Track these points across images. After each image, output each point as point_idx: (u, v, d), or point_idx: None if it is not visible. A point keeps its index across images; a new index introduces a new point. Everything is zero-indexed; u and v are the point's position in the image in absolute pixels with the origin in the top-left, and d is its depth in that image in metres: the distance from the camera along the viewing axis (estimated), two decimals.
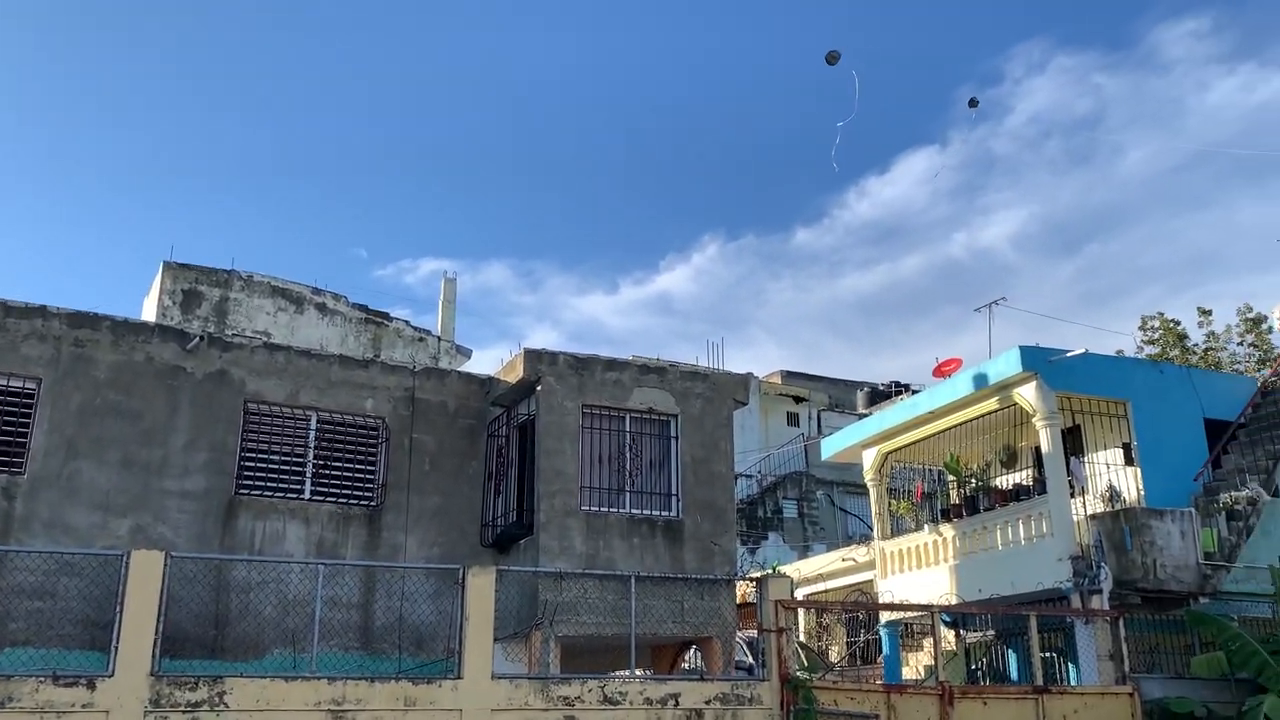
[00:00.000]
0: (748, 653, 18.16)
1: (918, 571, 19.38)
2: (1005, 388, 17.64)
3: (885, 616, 19.43)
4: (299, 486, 14.92)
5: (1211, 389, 19.00)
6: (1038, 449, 17.84)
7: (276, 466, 14.87)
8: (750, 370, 35.27)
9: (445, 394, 16.03)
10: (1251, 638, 15.66)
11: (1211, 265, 79.72)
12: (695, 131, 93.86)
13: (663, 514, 15.45)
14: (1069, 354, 17.34)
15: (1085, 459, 17.99)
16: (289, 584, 13.82)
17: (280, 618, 13.73)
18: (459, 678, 12.09)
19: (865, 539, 23.77)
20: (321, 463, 15.11)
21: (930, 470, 21.08)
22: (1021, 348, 17.23)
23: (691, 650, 16.49)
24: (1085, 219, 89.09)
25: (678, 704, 12.74)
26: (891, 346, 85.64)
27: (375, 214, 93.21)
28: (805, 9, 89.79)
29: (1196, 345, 28.01)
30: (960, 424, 19.03)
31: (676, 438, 15.82)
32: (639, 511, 15.31)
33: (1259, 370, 24.43)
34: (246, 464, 14.71)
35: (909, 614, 18.53)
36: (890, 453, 20.80)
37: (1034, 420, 17.37)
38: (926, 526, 19.41)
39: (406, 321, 23.92)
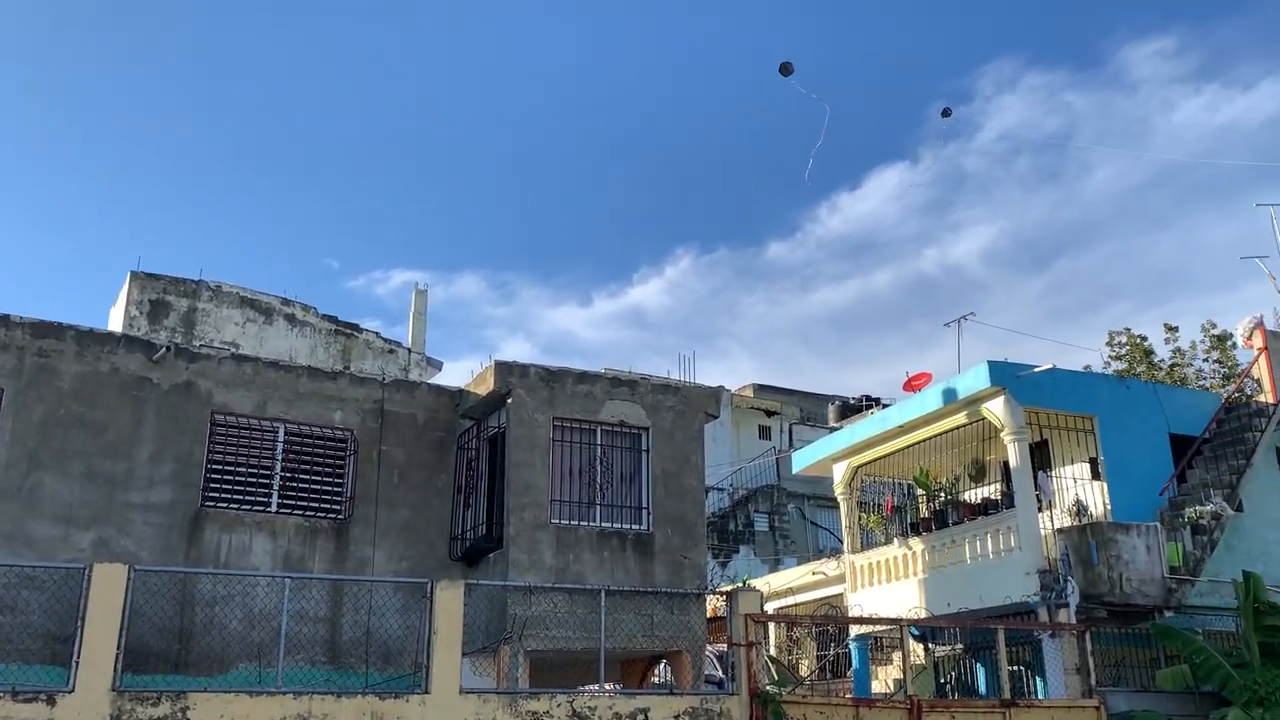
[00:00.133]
0: (718, 667, 18.14)
1: (887, 585, 19.45)
2: (974, 402, 17.77)
3: (855, 630, 19.48)
4: (266, 499, 14.78)
5: (1176, 405, 19.21)
6: (1006, 463, 17.97)
7: (243, 479, 14.73)
8: (722, 383, 35.34)
9: (415, 406, 15.94)
10: (1216, 651, 15.82)
11: (1177, 283, 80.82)
12: (669, 145, 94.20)
13: (633, 527, 15.41)
14: (1036, 369, 17.50)
15: (1052, 473, 18.14)
16: (255, 597, 13.67)
17: (246, 632, 13.58)
18: (427, 692, 12.01)
19: (836, 552, 23.83)
20: (289, 475, 14.98)
21: (900, 484, 21.19)
22: (990, 363, 17.37)
23: (661, 665, 16.45)
24: (1054, 236, 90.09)
25: (647, 718, 12.71)
26: (863, 360, 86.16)
27: (347, 224, 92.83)
28: (776, 24, 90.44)
29: (1163, 361, 28.33)
30: (930, 438, 19.15)
31: (647, 451, 15.80)
32: (609, 525, 15.27)
33: (1224, 386, 24.72)
34: (213, 476, 14.56)
35: (878, 627, 18.58)
36: (860, 466, 20.89)
37: (1002, 435, 17.50)
38: (896, 540, 19.49)
39: (377, 333, 23.82)
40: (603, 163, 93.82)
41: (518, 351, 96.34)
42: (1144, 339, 28.95)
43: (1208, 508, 17.33)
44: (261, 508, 14.70)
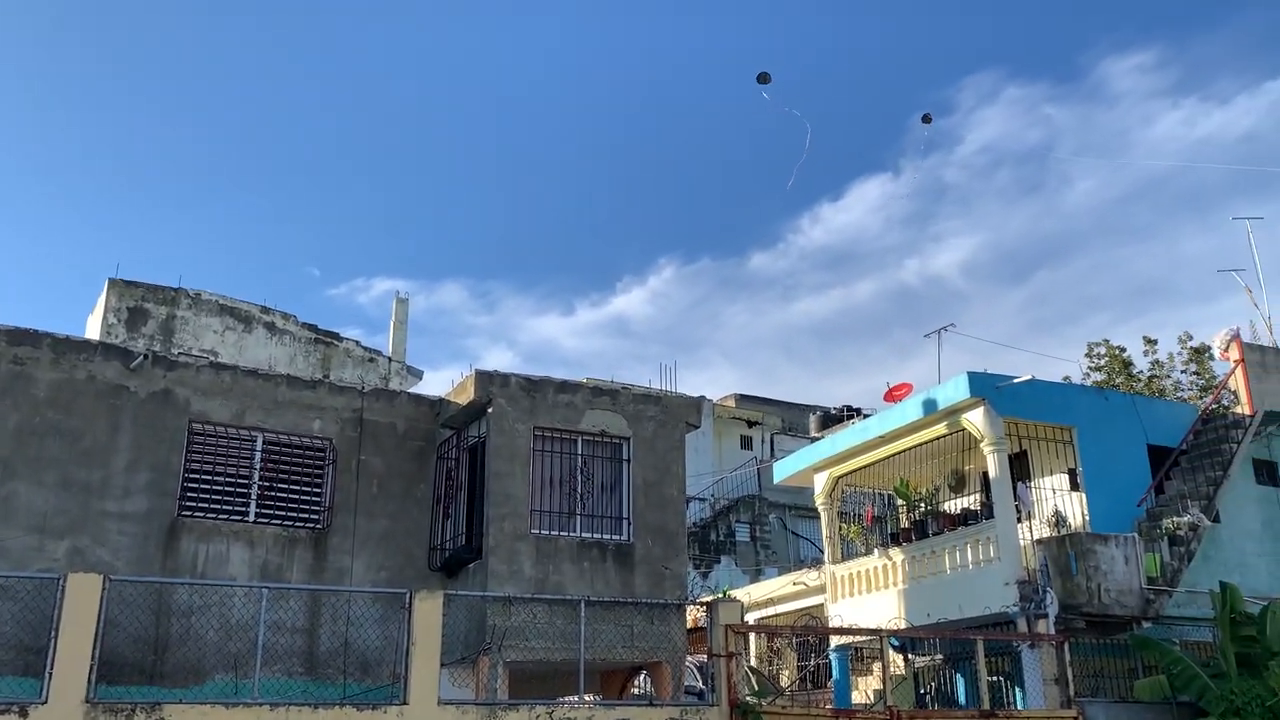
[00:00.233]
0: (698, 677, 18.10)
1: (868, 595, 19.47)
2: (954, 413, 17.83)
3: (835, 641, 19.48)
4: (243, 508, 14.67)
5: (1154, 416, 19.33)
6: (985, 474, 18.03)
7: (221, 488, 14.63)
8: (704, 393, 35.42)
9: (394, 415, 15.87)
10: (1193, 661, 15.89)
11: (1156, 295, 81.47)
12: (652, 155, 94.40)
13: (614, 538, 15.37)
14: (1016, 380, 17.57)
15: (1032, 484, 18.20)
16: (232, 608, 13.57)
17: (222, 642, 13.47)
18: (405, 704, 11.96)
19: (817, 563, 23.85)
20: (267, 484, 14.89)
21: (881, 494, 21.22)
22: (970, 374, 17.44)
23: (641, 675, 16.41)
24: (1034, 247, 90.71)
25: None
26: (845, 370, 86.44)
27: (329, 232, 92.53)
28: (759, 36, 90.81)
29: (1141, 373, 28.54)
30: (910, 448, 19.19)
31: (628, 461, 15.77)
32: (590, 535, 15.22)
33: (1201, 398, 24.91)
34: (190, 485, 14.45)
35: (859, 638, 18.59)
36: (841, 476, 20.91)
37: (981, 445, 17.56)
38: (876, 550, 19.51)
39: (357, 342, 23.73)
40: (586, 172, 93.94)
41: (500, 361, 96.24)
42: (1122, 350, 29.17)
43: (1185, 519, 17.42)
44: (239, 517, 14.60)
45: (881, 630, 16.29)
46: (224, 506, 14.56)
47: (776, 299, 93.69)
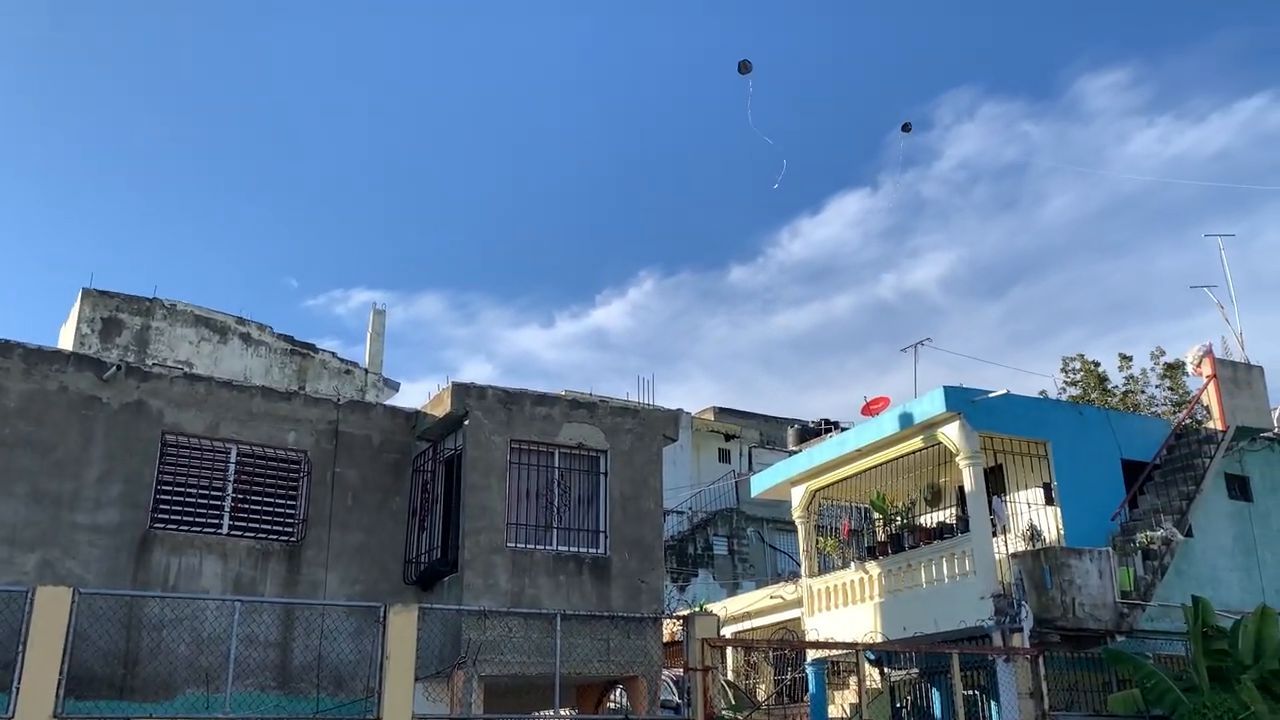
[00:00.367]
0: (674, 691, 18.07)
1: (844, 609, 19.48)
2: (930, 427, 17.90)
3: (812, 655, 19.48)
4: (217, 521, 14.56)
5: (1128, 431, 19.46)
6: (961, 488, 18.10)
7: (194, 500, 14.51)
8: (683, 406, 35.41)
9: (370, 428, 15.80)
10: (1166, 675, 15.98)
11: (1130, 310, 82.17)
12: (632, 168, 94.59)
13: (590, 551, 15.33)
14: (991, 394, 17.66)
15: (1007, 498, 18.28)
16: (204, 621, 13.47)
17: (194, 656, 13.35)
18: (378, 718, 11.85)
19: (794, 576, 23.85)
20: (241, 497, 14.78)
21: (857, 508, 21.26)
22: (945, 388, 17.52)
23: (617, 690, 16.35)
24: (1011, 263, 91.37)
25: None
26: (823, 384, 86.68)
27: (307, 243, 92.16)
28: (739, 51, 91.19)
29: (1116, 388, 28.75)
30: (886, 462, 19.25)
31: (606, 474, 15.74)
32: (566, 548, 15.17)
33: (1175, 413, 25.11)
34: (163, 497, 14.32)
35: (835, 652, 18.60)
36: (818, 490, 20.95)
37: (957, 459, 17.64)
38: (853, 564, 19.54)
39: (333, 353, 23.60)
40: (566, 184, 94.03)
41: (479, 373, 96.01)
42: (1097, 365, 29.38)
43: (1158, 533, 17.54)
44: (212, 530, 14.48)
45: (858, 644, 16.30)
46: (197, 519, 14.44)
47: (756, 312, 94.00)
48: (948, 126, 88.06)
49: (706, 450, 36.90)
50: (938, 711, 17.92)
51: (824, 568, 20.62)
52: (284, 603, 14.19)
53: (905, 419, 18.29)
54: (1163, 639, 17.09)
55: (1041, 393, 26.58)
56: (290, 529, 14.90)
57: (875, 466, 19.49)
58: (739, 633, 22.99)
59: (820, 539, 20.98)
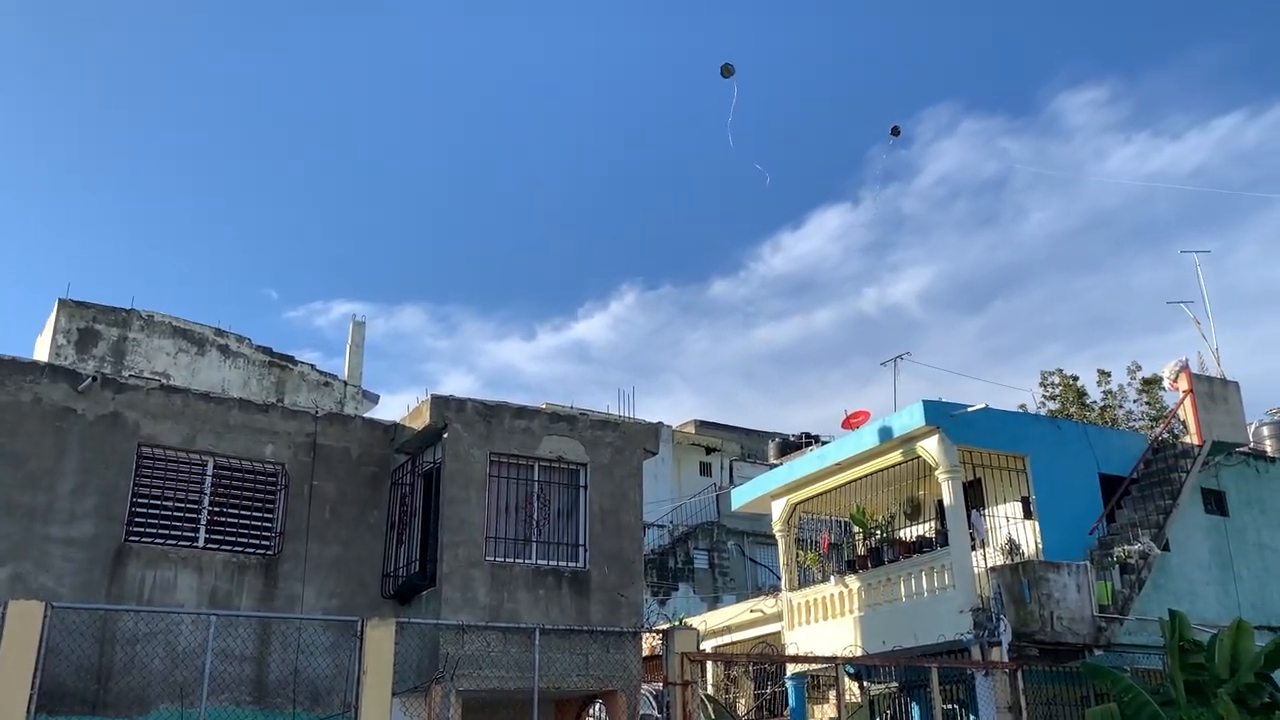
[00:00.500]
0: (654, 706, 18.00)
1: (824, 623, 19.48)
2: (909, 441, 17.96)
3: (792, 669, 19.46)
4: (193, 534, 14.44)
5: (1106, 445, 19.57)
6: (940, 501, 18.15)
7: (170, 513, 14.39)
8: (665, 419, 35.37)
9: (348, 440, 15.72)
10: (1143, 689, 16.00)
11: (1109, 325, 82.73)
12: (615, 181, 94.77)
13: (570, 565, 15.29)
14: (970, 409, 17.73)
15: (986, 512, 18.34)
16: (179, 635, 13.34)
17: (169, 671, 13.23)
18: None
19: (775, 590, 23.85)
20: (217, 509, 14.67)
21: (838, 521, 21.28)
22: (925, 402, 17.58)
23: (596, 705, 16.28)
24: (990, 278, 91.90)
25: None
26: (804, 397, 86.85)
27: (287, 254, 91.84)
28: (720, 64, 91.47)
29: (1095, 403, 28.94)
30: (866, 475, 19.29)
31: (585, 487, 15.71)
32: (545, 562, 15.13)
33: (1152, 427, 25.28)
34: (138, 510, 14.20)
35: (815, 666, 18.58)
36: (799, 503, 20.96)
37: (936, 473, 17.69)
38: (833, 578, 19.55)
39: (312, 365, 23.50)
40: (548, 197, 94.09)
41: (459, 385, 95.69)
42: (1076, 379, 29.56)
43: (1136, 547, 17.63)
44: (188, 543, 14.35)
45: (837, 658, 16.30)
46: (173, 532, 14.32)
47: (737, 326, 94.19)
48: (928, 142, 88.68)
49: (687, 463, 36.89)
50: None
51: (804, 581, 20.62)
52: (260, 617, 14.08)
53: (885, 433, 18.34)
54: (1140, 653, 17.15)
55: (1021, 407, 26.74)
56: (267, 542, 14.79)
57: (855, 480, 19.53)
58: (719, 647, 22.95)
59: (800, 553, 20.99)
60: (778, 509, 21.34)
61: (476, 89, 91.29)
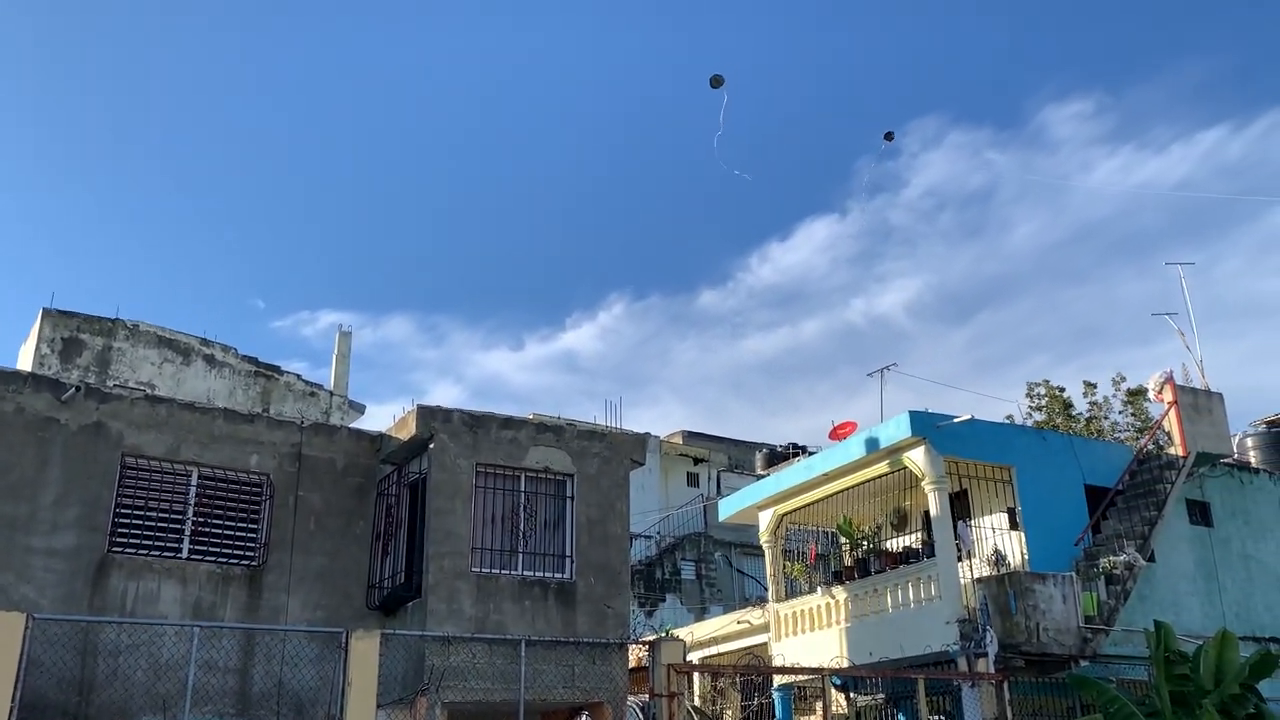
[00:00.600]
0: (640, 717, 17.94)
1: (811, 634, 19.47)
2: (895, 451, 17.98)
3: (778, 680, 19.43)
4: (177, 545, 14.34)
5: (1091, 456, 19.63)
6: (927, 512, 18.17)
7: (154, 524, 14.29)
8: (653, 430, 35.47)
9: (334, 450, 15.65)
10: (1129, 700, 16.02)
11: (1094, 337, 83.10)
12: (602, 191, 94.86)
13: (556, 576, 15.24)
14: (956, 420, 17.77)
15: (972, 523, 18.37)
16: (162, 647, 13.23)
17: (151, 683, 13.12)
18: None
19: (762, 601, 23.83)
20: (201, 520, 14.58)
21: (825, 532, 21.29)
22: (911, 413, 17.61)
23: (583, 716, 16.21)
24: (977, 289, 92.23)
25: None
26: (792, 408, 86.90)
27: (274, 264, 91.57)
28: (709, 76, 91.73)
29: (1080, 414, 29.00)
30: (853, 486, 19.30)
31: (572, 498, 15.67)
32: (532, 573, 15.08)
33: (1137, 438, 25.36)
34: (121, 521, 14.09)
35: (802, 677, 18.56)
36: (786, 514, 20.96)
37: (923, 484, 17.71)
38: (820, 589, 19.55)
39: (298, 375, 23.41)
40: (537, 207, 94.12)
41: (447, 395, 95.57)
42: (1062, 390, 29.63)
43: (1121, 558, 17.66)
44: (172, 554, 14.26)
45: (824, 669, 16.28)
46: (156, 543, 14.22)
47: (725, 336, 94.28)
48: (914, 154, 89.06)
49: (675, 474, 36.89)
50: None
51: (791, 592, 20.61)
52: (244, 628, 13.99)
53: (871, 443, 18.36)
54: (1126, 664, 17.17)
55: (1008, 418, 26.77)
56: (252, 553, 14.71)
57: (842, 491, 19.55)
58: (706, 658, 22.91)
59: (787, 563, 20.98)
60: (765, 520, 21.33)
61: (466, 99, 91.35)
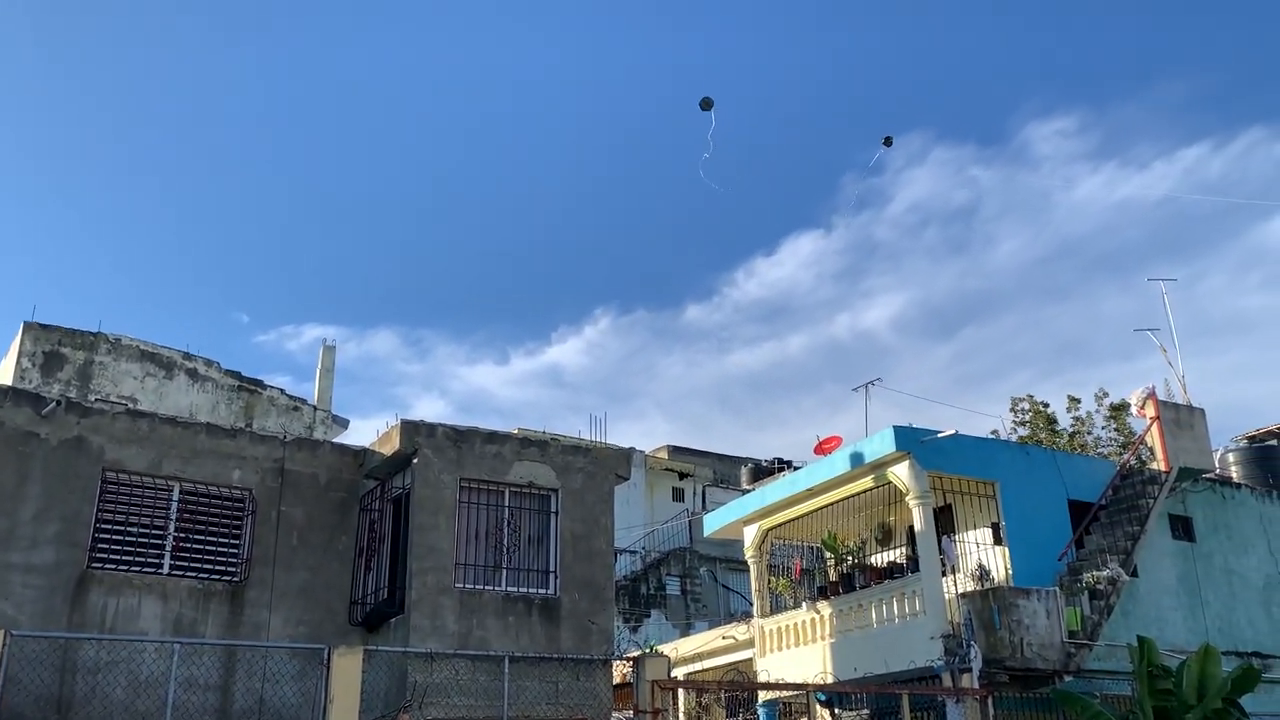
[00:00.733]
0: None
1: (796, 649, 19.44)
2: (880, 466, 18.01)
3: (763, 696, 19.39)
4: (158, 560, 14.23)
5: (1075, 471, 19.69)
6: (911, 527, 18.19)
7: (134, 539, 14.17)
8: (638, 444, 35.40)
9: (317, 465, 15.57)
10: (1113, 715, 16.07)
11: (1077, 352, 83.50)
12: (588, 206, 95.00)
13: (540, 591, 15.19)
14: (940, 435, 17.81)
15: (956, 538, 18.40)
16: (142, 664, 13.12)
17: (131, 700, 13.00)
18: None
19: (747, 616, 23.78)
20: (183, 535, 14.47)
21: (810, 547, 21.27)
22: (895, 428, 17.64)
23: None
24: (961, 304, 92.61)
25: None
26: (777, 423, 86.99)
27: (258, 277, 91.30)
28: (695, 92, 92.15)
29: (1064, 429, 29.12)
30: (838, 501, 19.31)
31: (556, 513, 15.63)
32: (515, 589, 15.03)
33: (1120, 454, 25.46)
34: (102, 536, 13.98)
35: (786, 693, 18.53)
36: (771, 529, 20.95)
37: (907, 499, 17.73)
38: (804, 604, 19.53)
39: (281, 390, 23.31)
40: (522, 221, 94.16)
41: (432, 409, 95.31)
42: (1046, 406, 29.75)
43: (1104, 573, 17.71)
44: (153, 569, 14.14)
45: (809, 685, 16.27)
46: (137, 558, 14.10)
47: (711, 351, 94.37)
48: (899, 170, 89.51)
49: (660, 489, 36.82)
50: None
51: (776, 607, 20.58)
52: (225, 645, 13.88)
53: (856, 458, 18.39)
54: (1109, 679, 17.20)
55: (993, 433, 26.84)
56: (233, 569, 14.61)
57: (827, 506, 19.56)
58: (691, 674, 22.84)
59: (772, 579, 20.96)
60: (750, 535, 21.32)
61: (452, 114, 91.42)
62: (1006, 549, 17.92)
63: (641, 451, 36.10)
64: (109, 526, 14.06)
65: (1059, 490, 19.01)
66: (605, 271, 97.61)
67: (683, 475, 37.58)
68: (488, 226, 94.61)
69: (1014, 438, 27.21)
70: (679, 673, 21.64)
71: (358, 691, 12.05)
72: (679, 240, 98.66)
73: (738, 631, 22.30)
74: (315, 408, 24.12)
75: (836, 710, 19.29)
